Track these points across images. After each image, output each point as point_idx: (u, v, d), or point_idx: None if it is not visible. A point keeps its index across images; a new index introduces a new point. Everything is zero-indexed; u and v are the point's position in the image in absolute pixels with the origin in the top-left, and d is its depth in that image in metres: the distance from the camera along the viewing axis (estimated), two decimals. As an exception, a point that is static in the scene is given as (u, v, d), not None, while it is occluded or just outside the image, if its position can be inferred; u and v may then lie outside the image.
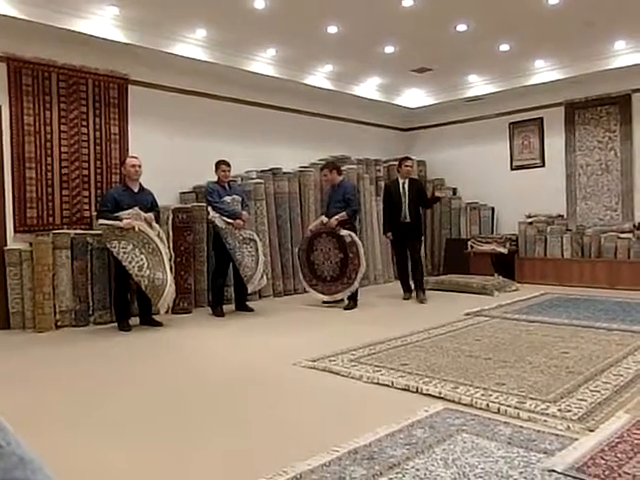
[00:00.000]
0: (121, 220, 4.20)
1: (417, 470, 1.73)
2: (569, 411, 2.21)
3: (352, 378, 2.80)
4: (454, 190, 7.80)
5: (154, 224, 4.43)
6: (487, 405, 2.30)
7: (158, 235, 4.40)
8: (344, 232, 5.05)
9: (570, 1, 4.52)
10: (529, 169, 7.22)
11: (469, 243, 7.08)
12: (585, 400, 2.34)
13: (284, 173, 6.16)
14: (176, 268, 4.85)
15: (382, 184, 7.26)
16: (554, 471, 1.68)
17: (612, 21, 5.07)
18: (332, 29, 5.04)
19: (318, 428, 2.18)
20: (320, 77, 6.39)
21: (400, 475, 1.70)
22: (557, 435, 1.98)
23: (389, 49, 5.69)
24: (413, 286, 5.62)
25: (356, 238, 5.06)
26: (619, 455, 1.77)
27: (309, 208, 6.26)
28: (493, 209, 7.42)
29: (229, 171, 5.00)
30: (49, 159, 4.64)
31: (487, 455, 1.82)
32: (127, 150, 5.08)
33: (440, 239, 7.70)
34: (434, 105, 7.62)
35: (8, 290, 4.31)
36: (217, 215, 4.81)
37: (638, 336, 3.57)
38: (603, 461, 1.74)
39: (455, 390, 2.51)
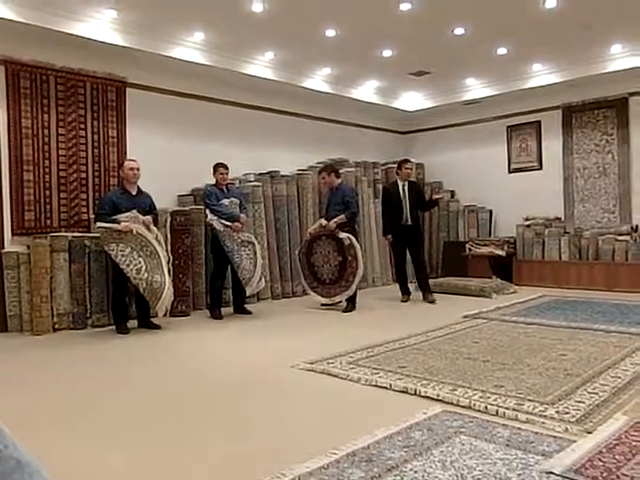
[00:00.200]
0: (119, 223, 4.20)
1: (415, 472, 1.73)
2: (567, 413, 2.21)
3: (350, 380, 2.80)
4: (452, 193, 7.82)
5: (152, 227, 4.42)
6: (485, 407, 2.30)
7: (156, 238, 4.39)
8: (343, 235, 5.05)
9: (567, 5, 4.55)
10: (527, 172, 7.24)
11: (467, 246, 7.09)
12: (583, 402, 2.34)
13: (282, 176, 6.17)
14: (174, 271, 4.85)
15: (380, 187, 7.28)
16: (552, 473, 1.68)
17: (609, 25, 5.10)
18: (330, 32, 5.06)
19: (316, 430, 2.17)
20: (318, 80, 6.41)
21: (398, 477, 1.70)
22: (555, 437, 1.98)
23: (387, 52, 5.71)
24: (419, 288, 5.66)
25: (354, 241, 5.06)
26: (617, 457, 1.77)
27: (307, 211, 6.27)
28: (491, 212, 7.43)
29: (227, 174, 5.00)
30: (47, 162, 4.64)
31: (485, 457, 1.82)
32: (125, 153, 5.09)
33: (438, 242, 7.71)
34: (432, 108, 7.64)
35: (5, 293, 4.30)
36: (215, 218, 4.81)
37: (636, 338, 3.58)
38: (601, 463, 1.74)
39: (453, 392, 2.51)
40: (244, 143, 6.10)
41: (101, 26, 4.57)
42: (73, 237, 4.53)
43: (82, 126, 4.86)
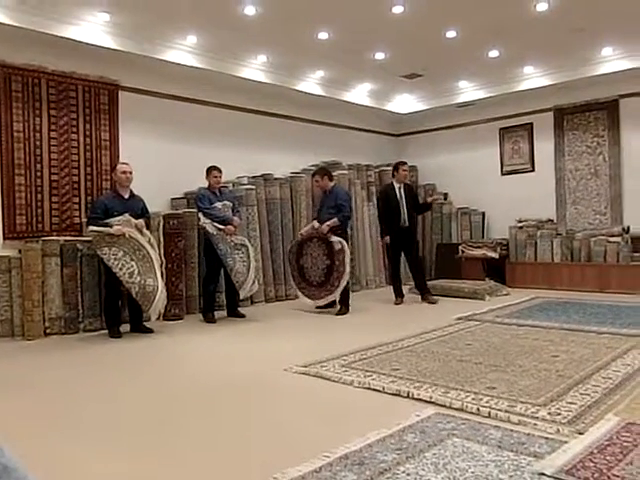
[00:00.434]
0: (111, 227, 4.18)
1: (408, 475, 1.73)
2: (559, 414, 2.22)
3: (343, 383, 2.79)
4: (445, 195, 7.85)
5: (145, 230, 4.41)
6: (478, 409, 2.31)
7: (149, 241, 4.38)
8: (334, 239, 5.05)
9: (558, 8, 4.59)
10: (519, 174, 7.29)
11: (460, 248, 7.11)
12: (575, 403, 2.35)
13: (275, 179, 6.17)
14: (167, 274, 4.83)
15: (374, 189, 7.31)
16: (544, 474, 1.69)
17: (600, 28, 5.15)
18: (323, 35, 5.07)
19: (309, 434, 2.17)
20: (311, 83, 6.42)
21: (391, 480, 1.70)
22: (547, 438, 1.98)
23: (380, 55, 5.73)
24: (418, 289, 5.72)
25: (345, 246, 5.05)
26: (608, 458, 1.78)
27: (300, 214, 6.27)
28: (484, 214, 7.47)
29: (220, 177, 4.99)
30: (39, 165, 4.61)
31: (477, 459, 1.83)
32: (118, 156, 5.07)
33: (431, 244, 7.73)
34: (425, 111, 7.68)
35: (-4, 298, 4.27)
36: (208, 221, 4.80)
37: (627, 339, 3.60)
38: (592, 464, 1.74)
39: (446, 395, 2.52)
40: (237, 146, 6.10)
41: (94, 29, 4.56)
42: (65, 241, 4.51)
43: (74, 129, 4.84)
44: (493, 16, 4.75)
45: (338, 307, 5.15)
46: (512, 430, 2.08)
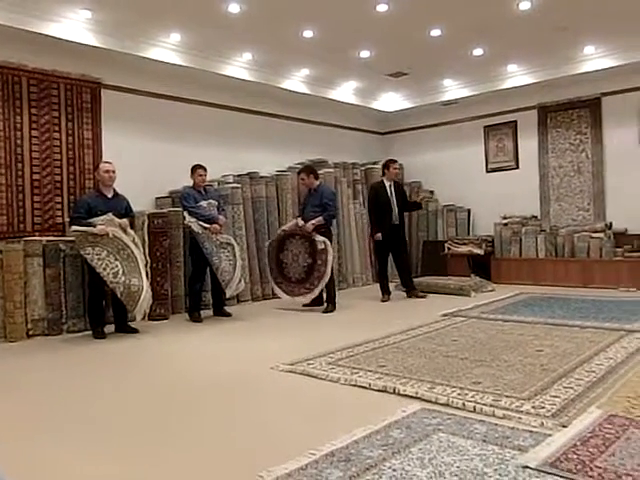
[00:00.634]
0: (94, 226, 4.12)
1: (394, 470, 1.73)
2: (543, 408, 2.24)
3: (330, 381, 2.79)
4: (431, 193, 7.89)
5: (129, 230, 4.36)
6: (463, 404, 2.32)
7: (133, 241, 4.33)
8: (319, 238, 5.05)
9: (541, 7, 4.63)
10: (504, 171, 7.35)
11: (446, 245, 7.16)
12: (559, 397, 2.38)
13: (261, 177, 6.15)
14: (152, 274, 4.79)
15: (360, 187, 7.32)
16: (528, 467, 1.70)
17: (582, 26, 5.21)
18: (308, 33, 5.06)
19: (296, 431, 2.16)
20: (296, 81, 6.40)
21: (377, 476, 1.70)
22: (531, 432, 2.00)
23: (365, 53, 5.74)
24: (405, 286, 5.78)
25: (329, 246, 5.04)
26: (591, 449, 1.80)
27: (287, 212, 6.25)
28: (469, 211, 7.52)
29: (205, 175, 4.95)
30: (20, 165, 4.53)
31: (462, 453, 1.84)
32: (100, 155, 5.00)
33: (417, 241, 7.77)
34: (410, 109, 7.71)
35: (-23, 299, 4.18)
36: (193, 220, 4.76)
37: (610, 333, 3.66)
38: (575, 456, 1.76)
39: (432, 390, 2.53)
40: (222, 144, 6.06)
41: (75, 26, 4.49)
42: (47, 241, 4.43)
43: (56, 128, 4.76)
44: (477, 14, 4.78)
45: (325, 305, 5.15)
46: (497, 424, 2.09)
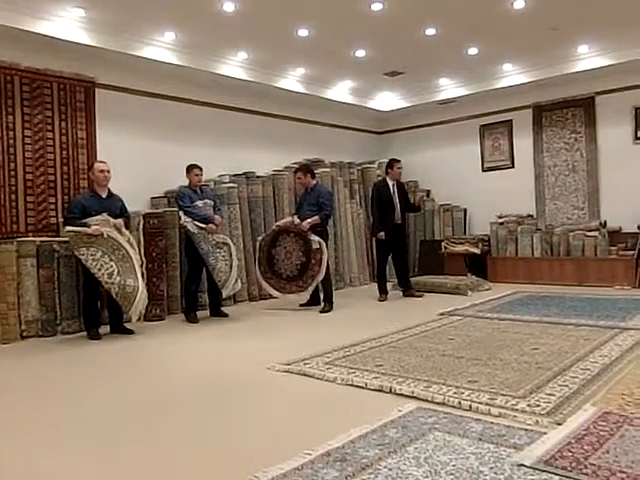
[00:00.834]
0: (89, 226, 4.10)
1: (390, 470, 1.73)
2: (538, 406, 2.24)
3: (326, 381, 2.79)
4: (428, 192, 7.90)
5: (124, 230, 4.34)
6: (459, 403, 2.32)
7: (128, 241, 4.31)
8: (314, 238, 5.04)
9: (535, 6, 4.64)
10: (499, 170, 7.37)
11: (443, 244, 7.17)
12: (554, 395, 2.38)
13: (258, 177, 6.13)
14: (148, 274, 4.76)
15: (356, 187, 7.32)
16: (523, 465, 1.70)
17: (575, 26, 5.22)
18: (303, 32, 5.05)
19: (292, 431, 2.16)
20: (293, 80, 6.39)
21: (373, 475, 1.70)
22: (526, 430, 2.00)
23: (360, 52, 5.73)
24: (402, 285, 5.79)
25: (324, 247, 5.04)
26: (585, 447, 1.81)
27: (283, 212, 6.24)
28: (465, 210, 7.53)
29: (201, 175, 4.94)
30: (12, 164, 4.50)
31: (458, 452, 1.84)
32: (95, 155, 4.97)
33: (415, 240, 7.77)
34: (407, 108, 7.71)
35: (-30, 301, 4.15)
36: (189, 220, 4.74)
37: (604, 331, 3.67)
38: (570, 453, 1.77)
39: (428, 389, 2.53)
40: (218, 144, 6.04)
41: (68, 25, 4.46)
42: (41, 242, 4.40)
43: (49, 128, 4.73)
44: (471, 13, 4.78)
45: (322, 304, 5.14)
46: (493, 423, 2.09)
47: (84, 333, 4.27)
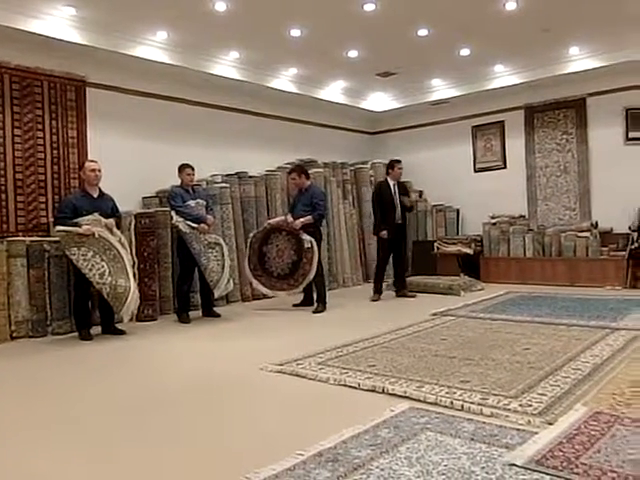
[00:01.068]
0: (80, 226, 4.07)
1: (382, 470, 1.73)
2: (530, 406, 2.25)
3: (319, 381, 2.78)
4: (420, 193, 7.92)
5: (115, 230, 4.31)
6: (451, 403, 2.32)
7: (119, 241, 4.27)
8: (306, 237, 5.04)
9: (527, 8, 4.66)
10: (492, 171, 7.40)
11: (435, 244, 7.19)
12: (545, 394, 2.39)
13: (250, 177, 6.12)
14: (140, 274, 4.73)
15: (349, 187, 7.31)
16: (515, 465, 1.71)
17: (567, 28, 5.26)
18: (295, 32, 5.04)
19: (284, 432, 2.15)
20: (285, 80, 6.38)
21: (364, 476, 1.69)
22: (518, 430, 2.01)
23: (353, 53, 5.73)
24: (397, 284, 5.79)
25: (315, 247, 5.03)
26: (576, 447, 1.81)
27: (276, 212, 6.22)
28: (458, 211, 7.56)
29: (193, 175, 4.92)
30: (2, 164, 4.45)
31: (450, 452, 1.84)
32: (86, 154, 4.93)
33: (407, 241, 7.77)
34: (399, 109, 7.72)
35: (-41, 301, 4.10)
36: (181, 220, 4.72)
37: (595, 331, 3.69)
38: (561, 453, 1.77)
39: (420, 389, 2.53)
40: (210, 144, 6.02)
41: (59, 23, 4.43)
42: (31, 241, 4.36)
43: (40, 127, 4.69)
44: (463, 14, 4.80)
45: (315, 305, 5.14)
46: (484, 422, 2.10)
47: (75, 334, 4.23)
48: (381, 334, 3.81)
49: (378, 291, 5.68)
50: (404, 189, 5.91)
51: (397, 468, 1.74)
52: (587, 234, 6.26)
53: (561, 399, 2.32)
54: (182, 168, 4.88)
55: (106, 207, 4.33)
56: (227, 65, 5.73)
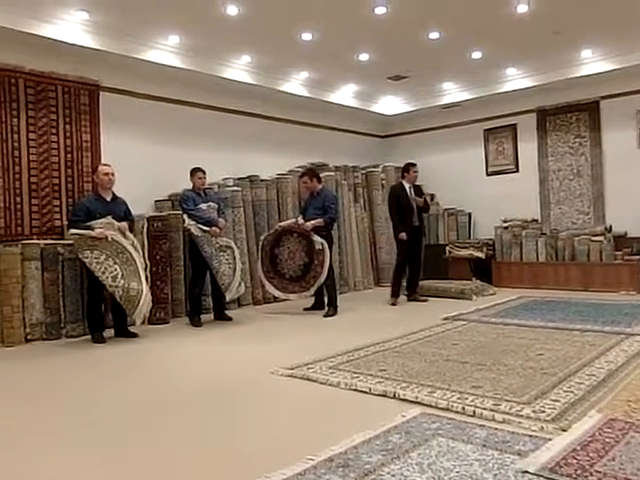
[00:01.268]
0: (93, 229, 4.11)
1: (392, 476, 1.72)
2: (543, 412, 2.22)
3: (330, 385, 2.77)
4: (432, 196, 7.88)
5: (128, 233, 4.34)
6: (463, 408, 2.30)
7: (132, 244, 4.31)
8: (317, 239, 5.05)
9: (538, 10, 4.63)
10: (504, 174, 7.35)
11: (447, 248, 7.15)
12: (559, 401, 2.36)
13: (262, 180, 6.14)
14: (152, 277, 4.77)
15: (361, 191, 7.31)
16: (527, 472, 1.68)
17: (579, 30, 5.21)
18: (307, 36, 5.06)
19: (294, 436, 2.15)
20: (296, 84, 6.41)
21: (375, 482, 1.68)
22: (531, 436, 1.98)
23: (364, 56, 5.74)
24: (410, 288, 5.76)
25: (327, 249, 5.04)
26: (591, 454, 1.79)
27: (287, 215, 6.23)
28: (470, 214, 7.51)
29: (205, 178, 4.95)
30: (17, 167, 4.52)
31: (462, 458, 1.82)
32: (99, 158, 4.99)
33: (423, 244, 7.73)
34: (411, 112, 7.71)
35: (-25, 303, 4.17)
36: (193, 223, 4.74)
37: (610, 336, 3.64)
38: (575, 460, 1.74)
39: (432, 394, 2.51)
40: (222, 147, 6.06)
41: (72, 28, 4.49)
42: (45, 245, 4.41)
43: (54, 131, 4.75)
44: (474, 17, 4.78)
45: (326, 309, 5.13)
46: (497, 429, 2.07)
47: (88, 336, 4.27)
48: (392, 338, 3.80)
49: (395, 294, 5.63)
50: (419, 191, 5.90)
51: (408, 474, 1.72)
52: (601, 238, 6.18)
53: (575, 405, 2.29)
54: (194, 172, 4.92)
55: (119, 210, 4.37)
56: (239, 69, 5.77)
